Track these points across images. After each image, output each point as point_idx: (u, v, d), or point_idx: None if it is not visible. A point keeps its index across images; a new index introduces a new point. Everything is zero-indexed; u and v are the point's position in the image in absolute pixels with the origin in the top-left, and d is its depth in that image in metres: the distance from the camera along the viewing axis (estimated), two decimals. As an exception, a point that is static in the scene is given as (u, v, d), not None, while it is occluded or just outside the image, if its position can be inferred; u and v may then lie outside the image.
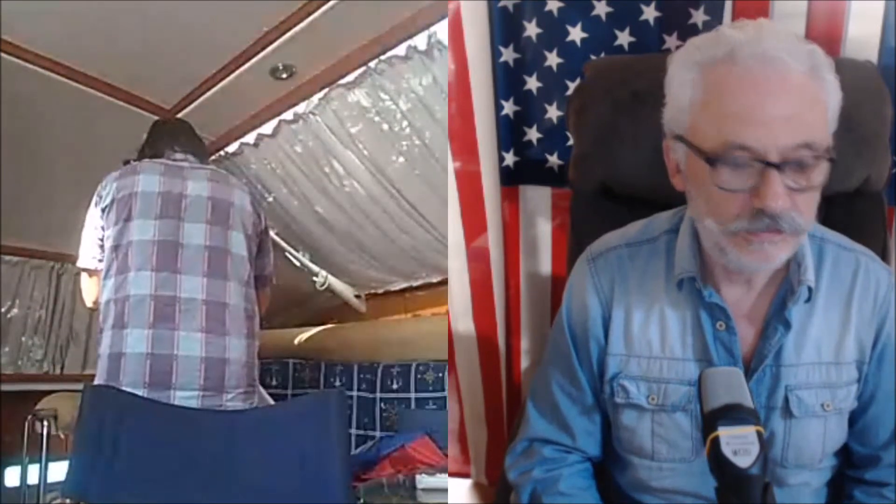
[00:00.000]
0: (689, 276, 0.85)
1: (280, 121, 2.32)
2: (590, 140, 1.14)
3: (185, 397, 1.45)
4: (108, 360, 1.50)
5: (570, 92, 1.33)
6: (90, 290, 1.68)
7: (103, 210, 1.60)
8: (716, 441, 0.62)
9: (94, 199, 1.62)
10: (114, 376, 1.47)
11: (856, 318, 0.86)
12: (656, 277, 0.89)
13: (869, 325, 0.87)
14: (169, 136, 1.76)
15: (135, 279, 1.51)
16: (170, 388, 1.45)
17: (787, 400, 0.84)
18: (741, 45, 0.74)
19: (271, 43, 1.84)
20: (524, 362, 1.61)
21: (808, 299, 0.84)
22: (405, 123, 2.14)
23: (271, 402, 1.91)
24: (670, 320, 0.88)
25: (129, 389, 1.37)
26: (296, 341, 2.95)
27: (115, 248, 1.55)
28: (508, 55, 1.41)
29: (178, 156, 1.70)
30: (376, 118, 2.16)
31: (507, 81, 1.43)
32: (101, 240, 1.60)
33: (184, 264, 1.54)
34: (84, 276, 1.68)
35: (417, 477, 1.41)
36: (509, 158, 1.48)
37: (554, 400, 0.96)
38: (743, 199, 0.73)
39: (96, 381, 1.53)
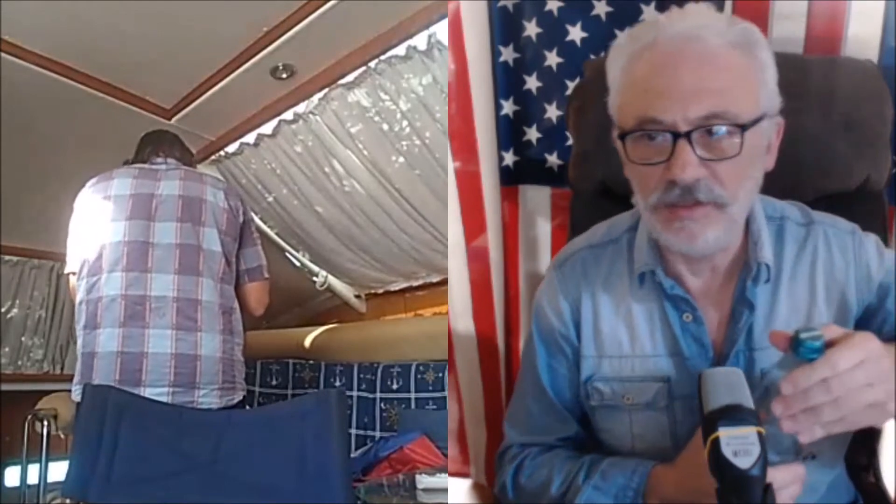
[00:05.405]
0: (649, 270, 0.85)
1: (280, 121, 2.32)
2: (590, 139, 1.13)
3: (154, 394, 1.46)
4: (82, 360, 1.53)
5: (570, 92, 1.33)
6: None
7: (81, 216, 1.63)
8: (716, 442, 0.62)
9: (75, 205, 1.66)
10: (87, 375, 1.50)
11: (823, 288, 0.82)
12: (621, 276, 0.89)
13: (845, 282, 0.82)
14: (153, 143, 1.79)
15: (107, 280, 1.54)
16: (140, 384, 1.47)
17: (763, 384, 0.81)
18: (663, 27, 0.76)
19: (271, 43, 1.84)
20: (524, 362, 1.60)
21: (768, 279, 0.81)
22: (405, 123, 2.14)
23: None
24: (637, 318, 0.87)
25: None
26: (296, 341, 2.95)
27: (89, 250, 1.58)
28: (508, 55, 1.41)
29: (159, 160, 1.72)
30: (376, 118, 2.16)
31: (507, 81, 1.43)
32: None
33: (155, 263, 1.55)
34: (72, 279, 1.69)
35: (417, 477, 1.40)
36: (509, 158, 1.48)
37: (527, 410, 0.97)
38: (660, 173, 0.75)
39: (74, 381, 1.55)
